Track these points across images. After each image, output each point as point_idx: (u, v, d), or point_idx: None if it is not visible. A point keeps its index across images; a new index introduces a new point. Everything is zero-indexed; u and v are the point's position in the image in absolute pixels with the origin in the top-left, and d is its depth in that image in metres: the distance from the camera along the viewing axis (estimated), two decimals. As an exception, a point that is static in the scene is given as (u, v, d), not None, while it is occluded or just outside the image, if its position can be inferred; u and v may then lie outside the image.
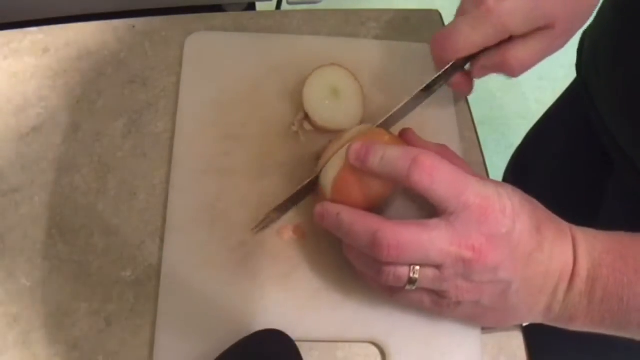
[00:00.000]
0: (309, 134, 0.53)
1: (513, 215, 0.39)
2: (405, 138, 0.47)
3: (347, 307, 0.47)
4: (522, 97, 1.69)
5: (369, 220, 0.40)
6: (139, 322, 0.46)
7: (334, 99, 0.52)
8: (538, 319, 0.43)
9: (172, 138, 0.53)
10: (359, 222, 0.40)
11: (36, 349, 0.45)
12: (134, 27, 0.58)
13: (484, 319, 0.44)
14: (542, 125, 0.82)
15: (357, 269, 0.44)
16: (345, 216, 0.41)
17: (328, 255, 0.49)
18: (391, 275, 0.39)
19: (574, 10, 0.47)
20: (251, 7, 0.80)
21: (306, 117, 0.52)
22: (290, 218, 0.50)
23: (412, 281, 0.39)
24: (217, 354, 0.42)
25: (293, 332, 0.44)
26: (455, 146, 0.53)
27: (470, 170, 0.42)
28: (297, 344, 0.43)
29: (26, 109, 0.53)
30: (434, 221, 0.39)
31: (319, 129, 0.52)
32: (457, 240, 0.38)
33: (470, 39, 0.46)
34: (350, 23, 0.61)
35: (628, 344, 0.42)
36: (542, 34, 0.47)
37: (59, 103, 0.54)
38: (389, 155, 0.40)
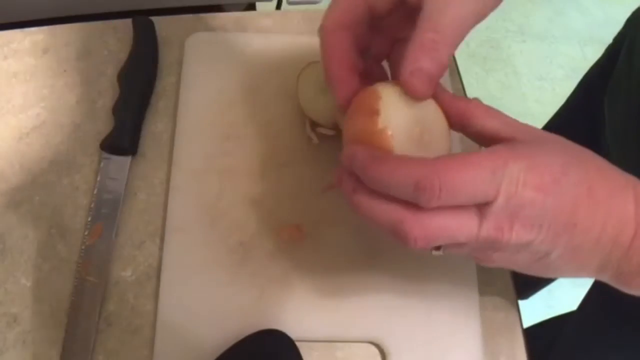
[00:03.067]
0: (322, 138, 0.52)
1: (553, 188, 0.34)
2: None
3: (347, 307, 0.47)
4: (522, 97, 1.69)
5: (393, 209, 0.35)
6: (139, 322, 0.46)
7: (324, 95, 0.52)
8: (591, 276, 0.38)
9: (172, 138, 0.53)
10: (379, 209, 0.35)
11: (36, 349, 0.45)
12: (134, 27, 0.58)
13: (526, 272, 0.39)
14: (548, 127, 0.82)
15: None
16: (361, 195, 0.36)
17: (328, 255, 0.49)
18: (411, 245, 0.36)
19: None
20: (251, 7, 0.80)
21: (314, 122, 0.52)
22: (290, 218, 0.50)
23: (437, 248, 0.37)
24: (217, 354, 0.42)
25: (293, 332, 0.44)
26: (454, 146, 0.53)
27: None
28: (297, 344, 0.43)
29: (26, 109, 0.53)
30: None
31: (322, 130, 0.52)
32: (487, 225, 0.34)
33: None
34: (350, 23, 0.61)
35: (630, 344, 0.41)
36: None
37: (59, 103, 0.54)
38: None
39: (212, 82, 0.55)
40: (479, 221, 0.34)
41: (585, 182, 0.34)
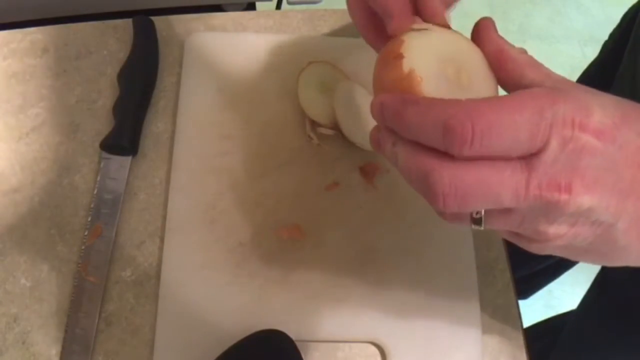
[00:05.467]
0: (322, 138, 0.53)
1: (615, 134, 0.28)
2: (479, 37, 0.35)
3: (347, 307, 0.47)
4: (522, 97, 1.69)
5: (423, 158, 0.29)
6: (139, 322, 0.46)
7: (324, 95, 0.53)
8: None
9: (172, 138, 0.53)
10: (413, 159, 0.30)
11: (36, 349, 0.45)
12: (134, 27, 0.58)
13: (581, 258, 0.33)
14: None
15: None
16: (400, 150, 0.31)
17: (327, 255, 0.49)
18: (446, 215, 0.31)
19: None
20: (251, 7, 0.80)
21: (314, 122, 0.52)
22: (290, 218, 0.50)
23: (476, 222, 0.31)
24: (217, 354, 0.42)
25: (293, 332, 0.44)
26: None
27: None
28: (297, 344, 0.43)
29: (26, 109, 0.53)
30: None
31: (323, 130, 0.53)
32: (537, 179, 0.28)
33: None
34: (350, 23, 0.61)
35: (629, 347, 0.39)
36: None
37: (59, 103, 0.54)
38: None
39: (212, 82, 0.55)
40: (528, 174, 0.28)
41: None
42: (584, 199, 0.28)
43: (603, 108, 0.28)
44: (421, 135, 0.29)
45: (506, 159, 0.28)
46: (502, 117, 0.27)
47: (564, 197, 0.28)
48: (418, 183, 0.30)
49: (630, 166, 0.28)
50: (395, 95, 0.31)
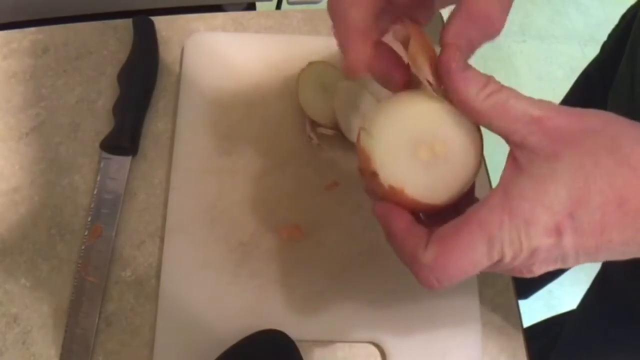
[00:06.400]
0: (322, 138, 0.53)
1: (569, 223, 0.29)
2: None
3: (347, 307, 0.47)
4: (522, 97, 1.69)
5: (409, 256, 0.34)
6: (139, 322, 0.46)
7: (324, 95, 0.53)
8: None
9: (172, 138, 0.53)
10: (399, 250, 0.35)
11: (36, 349, 0.45)
12: (134, 27, 0.58)
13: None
14: None
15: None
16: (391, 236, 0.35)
17: (328, 255, 0.49)
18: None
19: None
20: (251, 7, 0.80)
21: (314, 122, 0.52)
22: (290, 218, 0.50)
23: None
24: (217, 354, 0.42)
25: (293, 332, 0.44)
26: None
27: None
28: (297, 344, 0.43)
29: (26, 109, 0.53)
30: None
31: (324, 131, 0.53)
32: (501, 269, 0.32)
33: None
34: (350, 23, 0.61)
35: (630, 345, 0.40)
36: None
37: (59, 103, 0.54)
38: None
39: (212, 82, 0.55)
40: (494, 267, 0.32)
41: (614, 198, 0.29)
42: (549, 269, 0.32)
43: (553, 204, 0.29)
44: None
45: None
46: (457, 264, 0.31)
47: (528, 275, 0.32)
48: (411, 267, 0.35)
49: (592, 237, 0.30)
50: (380, 217, 0.36)
